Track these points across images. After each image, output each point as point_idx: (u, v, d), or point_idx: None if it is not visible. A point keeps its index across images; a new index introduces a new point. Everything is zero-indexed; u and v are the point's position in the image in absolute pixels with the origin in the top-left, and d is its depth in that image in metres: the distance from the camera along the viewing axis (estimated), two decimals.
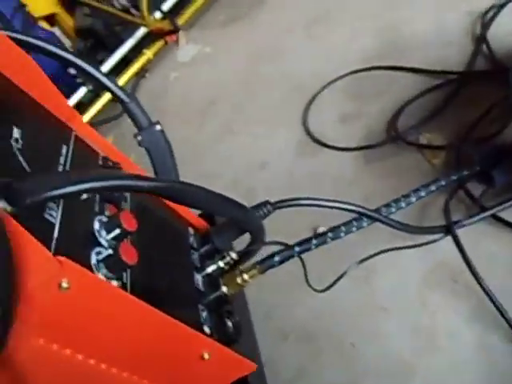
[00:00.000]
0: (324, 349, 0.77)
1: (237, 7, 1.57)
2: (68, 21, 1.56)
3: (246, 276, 0.59)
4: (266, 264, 0.58)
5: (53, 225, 0.39)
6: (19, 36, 0.54)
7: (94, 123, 1.37)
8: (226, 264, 0.62)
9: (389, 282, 0.79)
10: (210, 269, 0.62)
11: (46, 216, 0.39)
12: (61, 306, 0.36)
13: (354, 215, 0.67)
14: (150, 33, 1.47)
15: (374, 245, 0.79)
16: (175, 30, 1.47)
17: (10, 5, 1.27)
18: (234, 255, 0.62)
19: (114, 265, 0.41)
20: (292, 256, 0.59)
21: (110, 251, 0.41)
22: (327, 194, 0.97)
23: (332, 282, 0.76)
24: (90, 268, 0.40)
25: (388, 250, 0.77)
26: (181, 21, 1.49)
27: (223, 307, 0.58)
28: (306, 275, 0.72)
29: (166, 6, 1.45)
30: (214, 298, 0.58)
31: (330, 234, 0.62)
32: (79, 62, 0.60)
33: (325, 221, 0.90)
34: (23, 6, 1.28)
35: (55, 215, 0.40)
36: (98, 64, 1.38)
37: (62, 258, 0.35)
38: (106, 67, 1.43)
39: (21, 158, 0.39)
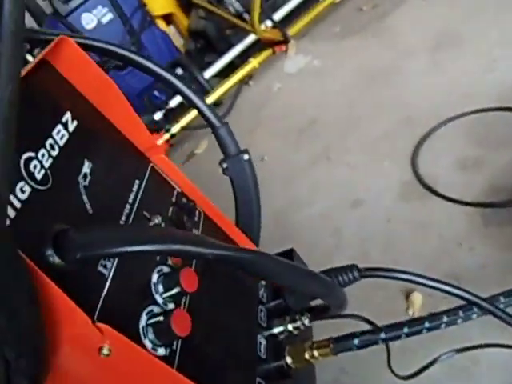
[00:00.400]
0: None
1: (355, 19, 1.46)
2: (183, 21, 1.59)
3: (315, 353, 0.50)
4: (342, 345, 0.49)
5: (104, 278, 0.34)
6: (116, 49, 0.52)
7: (189, 127, 1.37)
8: (295, 329, 0.54)
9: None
10: (277, 330, 0.55)
11: (99, 268, 0.34)
12: (101, 370, 0.32)
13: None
14: (260, 40, 1.43)
15: (479, 334, 0.65)
16: (285, 41, 1.41)
17: (133, 4, 1.32)
18: (306, 321, 0.54)
19: (162, 333, 0.35)
20: (376, 342, 0.49)
21: (161, 318, 0.36)
22: (429, 254, 0.85)
23: (420, 369, 0.63)
24: (137, 331, 0.35)
25: (498, 346, 0.63)
26: (292, 31, 1.43)
27: (284, 382, 0.50)
28: (388, 357, 0.61)
29: (277, 16, 1.40)
30: (274, 368, 0.51)
31: (427, 324, 0.50)
32: (174, 80, 0.56)
33: (422, 288, 0.78)
34: (143, 5, 1.32)
35: (109, 266, 0.35)
36: (201, 70, 1.37)
37: (104, 326, 0.31)
38: (214, 70, 1.42)
39: (85, 198, 0.35)
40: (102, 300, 0.33)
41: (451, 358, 0.68)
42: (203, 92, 1.32)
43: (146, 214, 0.41)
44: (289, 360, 0.51)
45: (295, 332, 0.55)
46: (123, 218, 0.39)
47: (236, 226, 0.64)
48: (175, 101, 1.29)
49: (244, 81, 1.48)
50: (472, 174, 0.88)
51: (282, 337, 0.55)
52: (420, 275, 0.53)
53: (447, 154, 0.94)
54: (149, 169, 0.45)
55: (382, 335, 0.49)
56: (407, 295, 0.79)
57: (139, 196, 0.41)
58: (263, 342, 0.52)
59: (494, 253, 0.76)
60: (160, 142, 1.30)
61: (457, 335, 0.67)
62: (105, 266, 0.34)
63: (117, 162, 0.41)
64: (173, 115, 1.30)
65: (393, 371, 0.61)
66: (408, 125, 1.04)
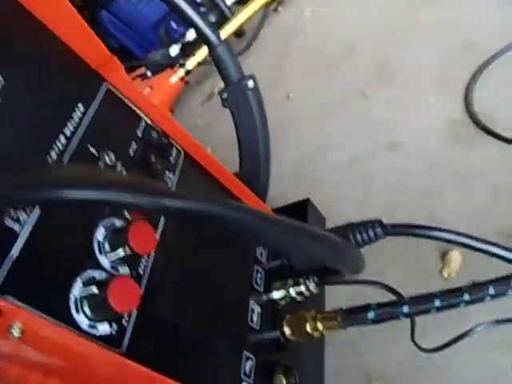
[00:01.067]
0: None
1: None
2: None
3: (319, 325, 0.41)
4: (354, 318, 0.39)
5: (15, 235, 0.26)
6: None
7: (208, 62, 1.24)
8: (298, 294, 0.45)
9: None
10: (276, 295, 0.46)
11: (7, 222, 0.26)
12: (20, 356, 0.25)
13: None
14: None
15: None
16: None
17: None
18: (312, 286, 0.45)
19: (97, 307, 0.27)
20: (396, 317, 0.39)
21: (95, 289, 0.27)
22: (477, 209, 0.72)
23: (449, 340, 0.53)
24: (66, 305, 0.27)
25: None
26: None
27: (279, 358, 0.42)
28: (412, 330, 0.51)
29: None
30: (268, 339, 0.43)
31: (466, 296, 0.39)
32: None
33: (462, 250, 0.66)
34: None
35: (24, 219, 0.27)
36: None
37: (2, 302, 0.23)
38: None
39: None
40: (10, 265, 0.25)
41: (489, 329, 0.57)
42: (224, 19, 1.17)
43: (92, 150, 0.32)
44: (287, 331, 0.43)
45: (299, 298, 0.46)
46: (53, 155, 0.30)
47: (239, 175, 0.54)
48: (193, 32, 1.16)
49: (272, 7, 1.31)
50: None
51: (282, 303, 0.46)
52: (459, 233, 0.42)
53: (509, 87, 0.77)
54: (102, 90, 0.35)
55: (405, 309, 0.39)
56: (443, 254, 0.67)
57: (83, 126, 0.32)
58: (257, 309, 0.44)
59: None
60: (174, 79, 1.18)
61: (498, 303, 0.56)
62: (16, 220, 0.26)
63: (48, 79, 0.31)
64: (190, 49, 1.17)
65: (416, 344, 0.51)
66: (465, 51, 0.86)
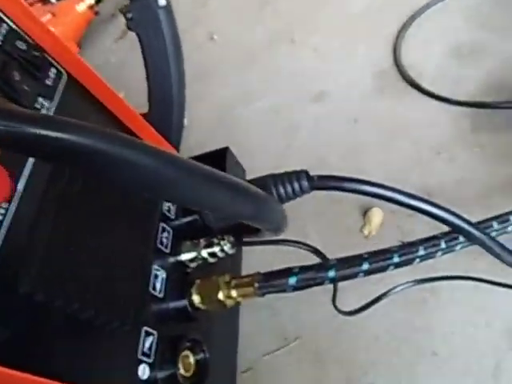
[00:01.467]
0: (330, 375, 0.55)
1: None
2: None
3: (234, 293, 0.35)
4: (273, 285, 0.34)
5: None
6: None
7: None
8: (211, 256, 0.39)
9: (453, 320, 0.54)
10: (185, 257, 0.39)
11: None
12: None
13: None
14: None
15: (448, 263, 0.52)
16: None
17: None
18: (227, 247, 0.38)
19: None
20: (321, 282, 0.34)
21: None
22: (399, 164, 0.70)
23: (368, 302, 0.51)
24: None
25: (469, 279, 0.51)
26: None
27: (186, 332, 0.36)
28: (334, 294, 0.48)
29: None
30: (174, 310, 0.36)
31: (395, 258, 0.35)
32: None
33: (385, 205, 0.63)
34: None
35: None
36: None
37: None
38: None
39: None
40: None
41: (407, 289, 0.57)
42: None
43: None
44: (196, 299, 0.36)
45: (211, 260, 0.39)
46: None
47: (146, 116, 0.44)
48: None
49: None
50: (466, 65, 0.70)
51: (191, 267, 0.40)
52: (392, 188, 0.37)
53: (439, 39, 0.74)
54: None
55: (331, 274, 0.34)
56: (364, 211, 0.65)
57: None
58: (161, 274, 0.36)
59: (479, 166, 0.62)
60: (81, 7, 1.02)
61: (421, 268, 0.55)
62: None
63: None
64: None
65: (336, 307, 0.49)
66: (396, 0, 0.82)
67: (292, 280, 0.33)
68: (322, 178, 0.38)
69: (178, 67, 0.47)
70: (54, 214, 0.29)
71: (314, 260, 0.45)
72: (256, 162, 0.73)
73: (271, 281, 0.34)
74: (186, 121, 0.73)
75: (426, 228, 0.64)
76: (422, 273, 0.57)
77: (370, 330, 0.55)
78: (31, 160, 0.28)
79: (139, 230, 0.36)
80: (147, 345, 0.32)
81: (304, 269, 0.34)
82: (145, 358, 0.32)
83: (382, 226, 0.64)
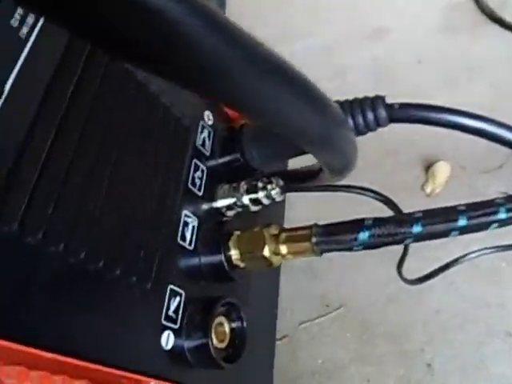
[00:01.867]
0: (378, 350, 0.48)
1: None
2: None
3: (284, 248, 0.27)
4: (338, 240, 0.26)
5: None
6: None
7: None
8: (254, 203, 0.31)
9: None
10: (222, 203, 0.31)
11: None
12: None
13: None
14: None
15: None
16: None
17: None
18: (275, 191, 0.30)
19: None
20: (399, 240, 0.26)
21: None
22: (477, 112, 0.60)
23: (435, 270, 0.43)
24: None
25: None
26: None
27: (220, 293, 0.29)
28: (403, 257, 0.40)
29: None
30: (207, 266, 0.28)
31: (501, 213, 0.26)
32: None
33: (454, 158, 0.53)
34: None
35: None
36: None
37: None
38: None
39: None
40: None
41: (479, 257, 0.48)
42: None
43: None
44: (234, 254, 0.29)
45: (253, 208, 0.31)
46: None
47: None
48: None
49: None
50: None
51: (228, 215, 0.32)
52: (500, 123, 0.28)
53: None
54: None
55: (417, 229, 0.25)
56: (428, 165, 0.55)
57: None
58: (192, 222, 0.29)
59: None
60: None
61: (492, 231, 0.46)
62: None
63: None
64: None
65: (401, 273, 0.40)
66: None
67: (363, 235, 0.25)
68: (405, 106, 0.29)
69: None
70: (54, 132, 0.22)
71: (382, 213, 0.36)
72: None
73: (335, 235, 0.26)
74: None
75: (503, 186, 0.54)
76: (496, 239, 0.48)
77: (431, 302, 0.47)
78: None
79: (167, 164, 0.28)
80: (173, 307, 0.26)
81: (380, 221, 0.25)
82: (169, 324, 0.25)
83: (449, 183, 0.55)
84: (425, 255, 0.48)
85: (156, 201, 0.27)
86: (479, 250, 0.47)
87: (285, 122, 0.17)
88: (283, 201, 0.40)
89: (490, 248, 0.47)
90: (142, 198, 0.26)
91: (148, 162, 0.27)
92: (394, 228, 0.25)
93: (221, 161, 0.33)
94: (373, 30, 0.66)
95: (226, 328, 0.28)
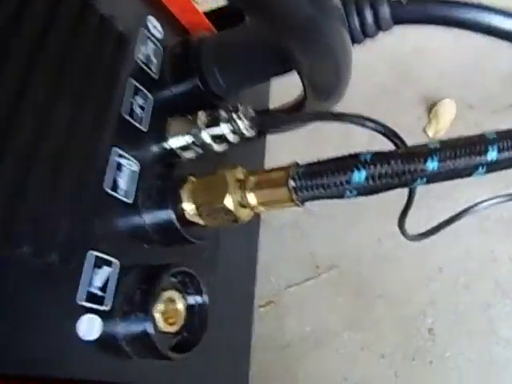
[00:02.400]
0: (374, 314, 0.42)
1: None
2: None
3: (252, 197, 0.20)
4: (325, 184, 0.18)
5: None
6: None
7: None
8: (217, 141, 0.23)
9: None
10: (173, 141, 0.24)
11: None
12: None
13: None
14: None
15: None
16: None
17: None
18: (244, 125, 0.22)
19: None
20: (407, 182, 0.19)
21: None
22: None
23: (439, 224, 0.36)
24: None
25: None
26: None
27: (169, 259, 0.21)
28: (407, 207, 0.32)
29: None
30: (151, 224, 0.21)
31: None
32: None
33: (460, 95, 0.45)
34: None
35: None
36: None
37: None
38: None
39: None
40: None
41: (488, 208, 0.41)
42: None
43: None
44: (188, 207, 0.21)
45: (217, 148, 0.24)
46: None
47: None
48: None
49: None
50: None
51: (185, 158, 0.24)
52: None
53: None
54: None
55: (433, 164, 0.18)
56: (431, 105, 0.47)
57: None
58: (129, 165, 0.21)
59: None
60: None
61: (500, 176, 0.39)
62: None
63: None
64: None
65: (402, 228, 0.33)
66: None
67: (359, 176, 0.18)
68: (417, 1, 0.20)
69: None
70: None
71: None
72: None
73: (320, 176, 0.18)
74: None
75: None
76: (505, 187, 0.41)
77: (433, 259, 0.41)
78: None
79: (94, 88, 0.20)
80: (99, 281, 0.18)
81: (381, 156, 0.18)
82: (93, 305, 0.18)
83: (454, 124, 0.47)
84: (425, 205, 0.41)
85: (78, 139, 0.19)
86: (490, 199, 0.40)
87: None
88: (262, 142, 0.32)
89: (502, 196, 0.40)
90: (62, 136, 0.18)
91: (73, 87, 0.19)
92: (401, 164, 0.18)
93: (173, 87, 0.25)
94: None
95: (179, 305, 0.21)
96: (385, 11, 0.21)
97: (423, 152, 0.18)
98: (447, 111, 0.46)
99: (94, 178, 0.19)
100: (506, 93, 0.49)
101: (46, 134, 0.18)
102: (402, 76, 0.49)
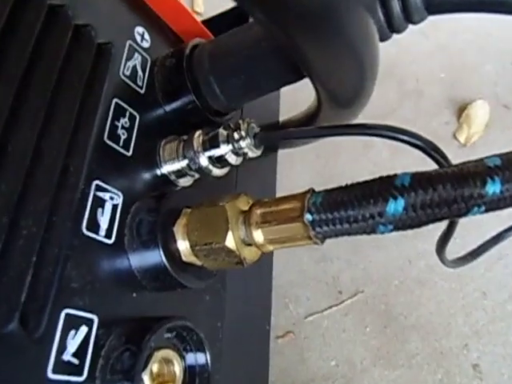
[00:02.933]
0: (407, 347, 0.37)
1: None
2: None
3: (258, 235, 0.16)
4: (349, 218, 0.14)
5: None
6: None
7: None
8: (217, 164, 0.19)
9: None
10: (167, 167, 0.20)
11: None
12: None
13: None
14: None
15: None
16: None
17: None
18: (247, 144, 0.19)
19: None
20: (457, 213, 0.14)
21: None
22: None
23: (476, 249, 0.31)
24: None
25: None
26: None
27: (161, 311, 0.18)
28: (448, 234, 0.28)
29: None
30: (139, 268, 0.17)
31: None
32: None
33: (494, 95, 0.41)
34: None
35: None
36: None
37: None
38: None
39: None
40: None
41: None
42: None
43: None
44: (182, 246, 0.18)
45: (217, 172, 0.20)
46: None
47: None
48: None
49: None
50: None
51: (181, 185, 0.21)
52: None
53: None
54: None
55: (495, 188, 0.14)
56: (461, 107, 0.43)
57: None
58: (112, 200, 0.18)
59: None
60: None
61: None
62: None
63: None
64: None
65: (442, 256, 0.29)
66: None
67: (395, 205, 0.14)
68: None
69: None
70: None
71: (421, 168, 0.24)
72: None
73: (344, 208, 0.14)
74: None
75: None
76: None
77: (474, 283, 0.36)
78: None
79: (74, 109, 0.17)
80: (73, 346, 0.15)
81: (425, 179, 0.13)
82: (69, 377, 0.14)
83: (489, 128, 0.42)
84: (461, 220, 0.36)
85: (54, 171, 0.16)
86: None
87: None
88: (272, 159, 0.28)
89: None
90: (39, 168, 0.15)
91: (54, 108, 0.16)
92: (452, 189, 0.13)
93: (164, 103, 0.21)
94: None
95: (176, 367, 0.17)
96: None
97: (480, 172, 0.13)
98: (480, 114, 0.41)
99: (68, 219, 0.15)
100: None
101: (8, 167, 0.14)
102: (426, 76, 0.45)
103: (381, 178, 0.14)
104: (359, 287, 0.38)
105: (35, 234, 0.14)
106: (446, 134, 0.42)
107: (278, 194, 0.29)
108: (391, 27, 0.16)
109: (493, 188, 0.13)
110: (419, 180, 0.14)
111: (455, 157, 0.41)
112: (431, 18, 0.19)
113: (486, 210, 0.14)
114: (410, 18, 0.16)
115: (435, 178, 0.13)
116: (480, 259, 0.35)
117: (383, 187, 0.14)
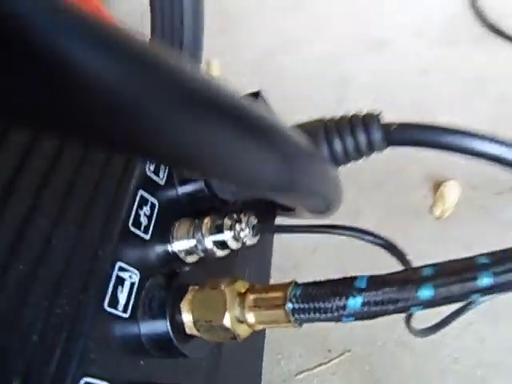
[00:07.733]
0: None
1: None
2: None
3: (250, 316, 0.18)
4: (321, 307, 0.16)
5: None
6: None
7: None
8: (220, 247, 0.22)
9: None
10: (178, 245, 0.22)
11: None
12: None
13: None
14: None
15: None
16: None
17: None
18: (246, 233, 0.21)
19: None
20: (406, 308, 0.16)
21: None
22: (482, 125, 0.50)
23: (444, 319, 0.32)
24: None
25: None
26: None
27: (167, 380, 0.19)
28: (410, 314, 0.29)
29: None
30: (147, 335, 0.19)
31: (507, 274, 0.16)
32: None
33: (463, 177, 0.43)
34: None
35: None
36: None
37: None
38: None
39: None
40: None
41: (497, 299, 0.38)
42: None
43: None
44: (187, 320, 0.20)
45: (220, 253, 0.22)
46: None
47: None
48: None
49: None
50: None
51: (189, 262, 0.23)
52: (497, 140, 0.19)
53: None
54: None
55: (427, 293, 0.16)
56: (437, 185, 0.45)
57: None
58: (130, 278, 0.20)
59: None
60: None
61: None
62: None
63: None
64: None
65: (409, 326, 0.30)
66: None
67: (354, 302, 0.16)
68: (404, 126, 0.19)
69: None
70: None
71: (382, 260, 0.26)
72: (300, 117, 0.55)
73: (317, 301, 0.17)
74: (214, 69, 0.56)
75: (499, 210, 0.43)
76: None
77: (447, 349, 0.37)
78: None
79: (100, 203, 0.20)
80: None
81: (377, 282, 0.16)
82: None
83: (459, 205, 0.45)
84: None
85: (79, 256, 0.18)
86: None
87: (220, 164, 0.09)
88: (270, 241, 0.31)
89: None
90: (61, 254, 0.17)
91: (79, 203, 0.19)
92: (396, 292, 0.15)
93: (180, 191, 0.24)
94: (373, 42, 0.57)
95: None
96: (377, 135, 0.19)
97: (415, 279, 0.15)
98: (452, 192, 0.44)
99: (97, 299, 0.17)
100: (507, 174, 0.46)
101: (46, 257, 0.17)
102: (407, 156, 0.48)
103: (345, 278, 0.16)
104: (347, 346, 0.39)
105: (68, 313, 0.16)
106: (423, 207, 0.44)
107: None
108: (358, 155, 0.19)
109: (425, 293, 0.15)
110: (374, 282, 0.16)
111: (430, 229, 0.43)
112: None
113: (425, 308, 0.16)
114: (371, 150, 0.19)
115: (385, 281, 0.16)
116: (453, 325, 0.36)
117: (346, 286, 0.16)
